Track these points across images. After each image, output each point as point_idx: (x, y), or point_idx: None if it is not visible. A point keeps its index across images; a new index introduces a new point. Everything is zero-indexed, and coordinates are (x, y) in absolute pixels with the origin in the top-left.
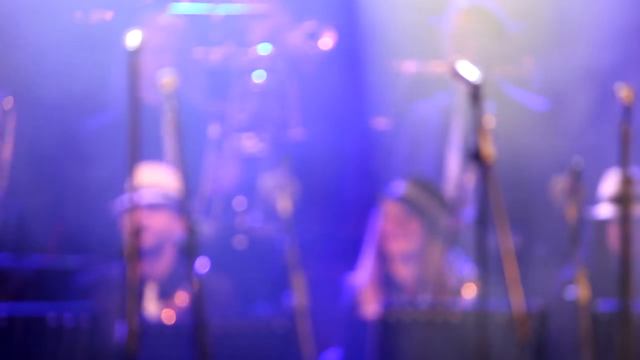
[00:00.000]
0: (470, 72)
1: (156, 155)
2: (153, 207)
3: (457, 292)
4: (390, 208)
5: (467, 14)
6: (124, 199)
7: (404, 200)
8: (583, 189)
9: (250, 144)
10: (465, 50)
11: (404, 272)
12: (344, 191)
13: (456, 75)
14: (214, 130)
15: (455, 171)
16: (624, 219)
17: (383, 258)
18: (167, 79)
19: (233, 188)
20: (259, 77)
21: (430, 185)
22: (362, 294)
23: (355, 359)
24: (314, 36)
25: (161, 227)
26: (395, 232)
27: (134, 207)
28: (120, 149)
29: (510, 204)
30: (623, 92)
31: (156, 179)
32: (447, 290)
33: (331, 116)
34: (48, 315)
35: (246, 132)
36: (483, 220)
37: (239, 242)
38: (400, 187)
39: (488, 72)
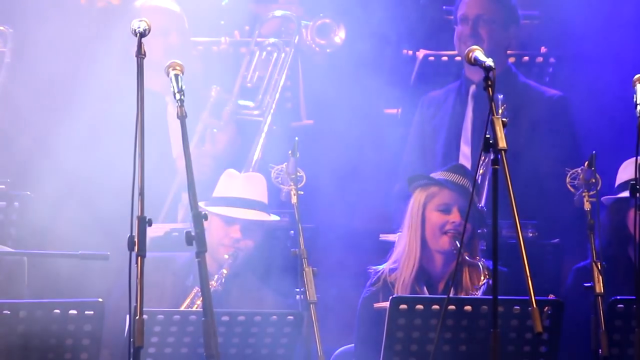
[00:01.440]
0: (486, 59)
1: (161, 141)
2: (256, 224)
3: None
4: (445, 198)
5: (476, 1)
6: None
7: (465, 196)
8: (599, 180)
9: (250, 110)
10: (477, 40)
11: (440, 265)
12: (356, 180)
13: (472, 62)
14: (214, 93)
15: (468, 162)
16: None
17: (424, 248)
18: (173, 65)
19: (229, 152)
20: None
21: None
22: (399, 284)
23: (371, 351)
24: (325, 31)
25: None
26: (449, 225)
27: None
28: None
29: (524, 195)
30: None
31: (259, 194)
32: (471, 287)
33: (341, 108)
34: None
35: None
36: (496, 211)
37: None
38: (455, 177)
39: (502, 60)
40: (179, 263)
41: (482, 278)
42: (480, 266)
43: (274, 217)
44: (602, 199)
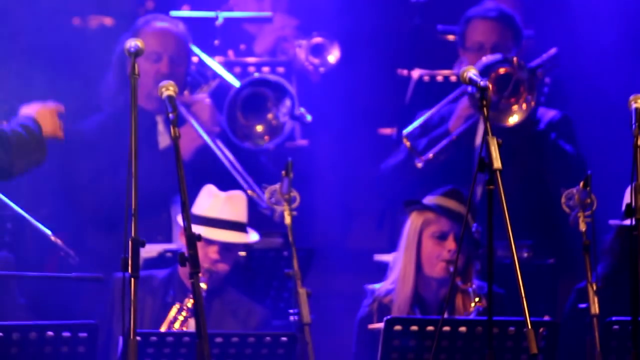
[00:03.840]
0: (480, 80)
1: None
2: (234, 245)
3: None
4: (442, 226)
5: (490, 27)
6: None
7: (461, 223)
8: (594, 201)
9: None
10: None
11: (434, 290)
12: (350, 201)
13: (466, 82)
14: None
15: None
16: (634, 229)
17: (419, 273)
18: (167, 86)
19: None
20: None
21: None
22: (395, 307)
23: None
24: (319, 50)
25: (231, 265)
26: (445, 253)
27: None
28: (110, 152)
29: (520, 216)
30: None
31: (238, 214)
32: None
33: (337, 124)
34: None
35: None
36: (491, 231)
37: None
38: (452, 204)
39: None
40: (158, 280)
41: (472, 304)
42: (471, 293)
43: (254, 237)
44: (610, 221)
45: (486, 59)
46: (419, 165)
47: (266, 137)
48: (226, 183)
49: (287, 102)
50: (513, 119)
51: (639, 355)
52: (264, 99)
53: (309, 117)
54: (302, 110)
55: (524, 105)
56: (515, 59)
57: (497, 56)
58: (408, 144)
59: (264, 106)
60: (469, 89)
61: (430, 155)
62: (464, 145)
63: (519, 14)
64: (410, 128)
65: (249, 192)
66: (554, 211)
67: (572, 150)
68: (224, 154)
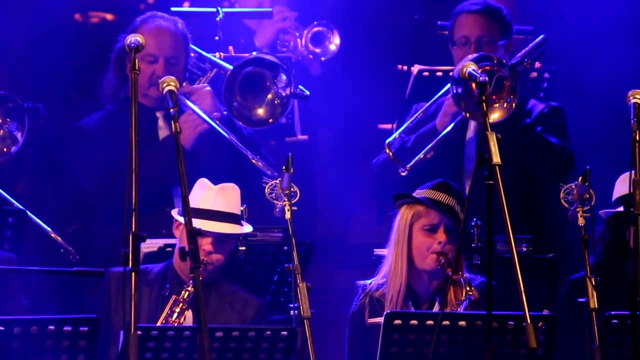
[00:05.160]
0: (479, 75)
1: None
2: (228, 237)
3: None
4: (431, 218)
5: (473, 20)
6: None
7: (451, 215)
8: (592, 195)
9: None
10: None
11: (426, 283)
12: (350, 196)
13: (466, 78)
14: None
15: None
16: (634, 222)
17: (411, 266)
18: (168, 81)
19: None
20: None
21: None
22: (387, 301)
23: None
24: (320, 39)
25: (226, 256)
26: (435, 245)
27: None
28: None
29: (519, 209)
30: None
31: (231, 206)
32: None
33: (337, 120)
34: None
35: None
36: (490, 226)
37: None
38: (441, 197)
39: None
40: (153, 273)
41: (464, 294)
42: (463, 282)
43: (247, 228)
44: (600, 212)
45: (466, 59)
46: (403, 174)
47: (271, 120)
48: (227, 172)
49: (283, 77)
50: (494, 117)
51: (638, 349)
52: (261, 79)
53: (307, 92)
54: (300, 87)
55: (505, 104)
56: (494, 56)
57: (474, 55)
58: (390, 153)
59: (263, 86)
60: (454, 89)
61: (409, 166)
62: (453, 141)
63: (514, 8)
64: (392, 137)
65: (253, 161)
66: (553, 205)
67: (557, 142)
68: (230, 135)
